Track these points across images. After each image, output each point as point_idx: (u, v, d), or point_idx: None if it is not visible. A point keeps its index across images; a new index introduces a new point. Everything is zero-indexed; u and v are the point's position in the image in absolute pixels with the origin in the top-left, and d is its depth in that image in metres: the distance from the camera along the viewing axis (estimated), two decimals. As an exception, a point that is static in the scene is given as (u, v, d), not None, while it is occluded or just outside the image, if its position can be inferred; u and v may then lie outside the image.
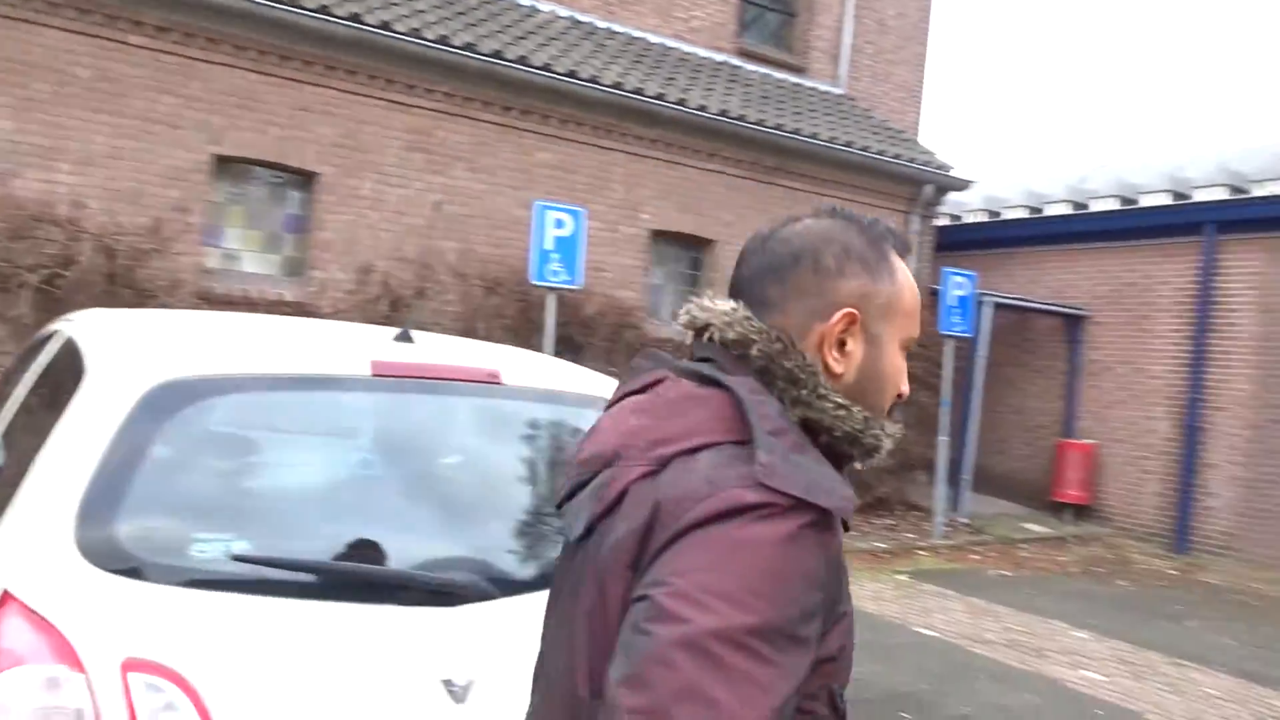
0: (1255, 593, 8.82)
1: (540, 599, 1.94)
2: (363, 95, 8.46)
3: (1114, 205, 16.09)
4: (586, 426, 2.99)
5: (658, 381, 1.15)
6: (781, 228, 1.19)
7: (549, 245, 7.86)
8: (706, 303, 1.18)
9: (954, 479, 10.83)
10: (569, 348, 9.01)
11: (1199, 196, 15.88)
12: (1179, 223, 11.24)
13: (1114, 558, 10.10)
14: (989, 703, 5.29)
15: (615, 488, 1.06)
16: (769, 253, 1.17)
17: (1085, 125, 52.04)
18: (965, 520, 10.78)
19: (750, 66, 12.16)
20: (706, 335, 1.15)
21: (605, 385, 2.82)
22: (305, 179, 8.36)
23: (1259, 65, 52.28)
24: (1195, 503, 10.52)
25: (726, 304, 1.16)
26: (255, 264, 8.36)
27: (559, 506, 1.19)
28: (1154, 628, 7.26)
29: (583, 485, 1.13)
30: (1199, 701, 5.58)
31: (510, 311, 8.82)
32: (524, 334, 8.48)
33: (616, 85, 9.43)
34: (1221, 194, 15.54)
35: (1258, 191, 15.10)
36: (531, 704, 1.22)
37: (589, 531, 1.09)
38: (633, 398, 1.16)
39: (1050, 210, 16.84)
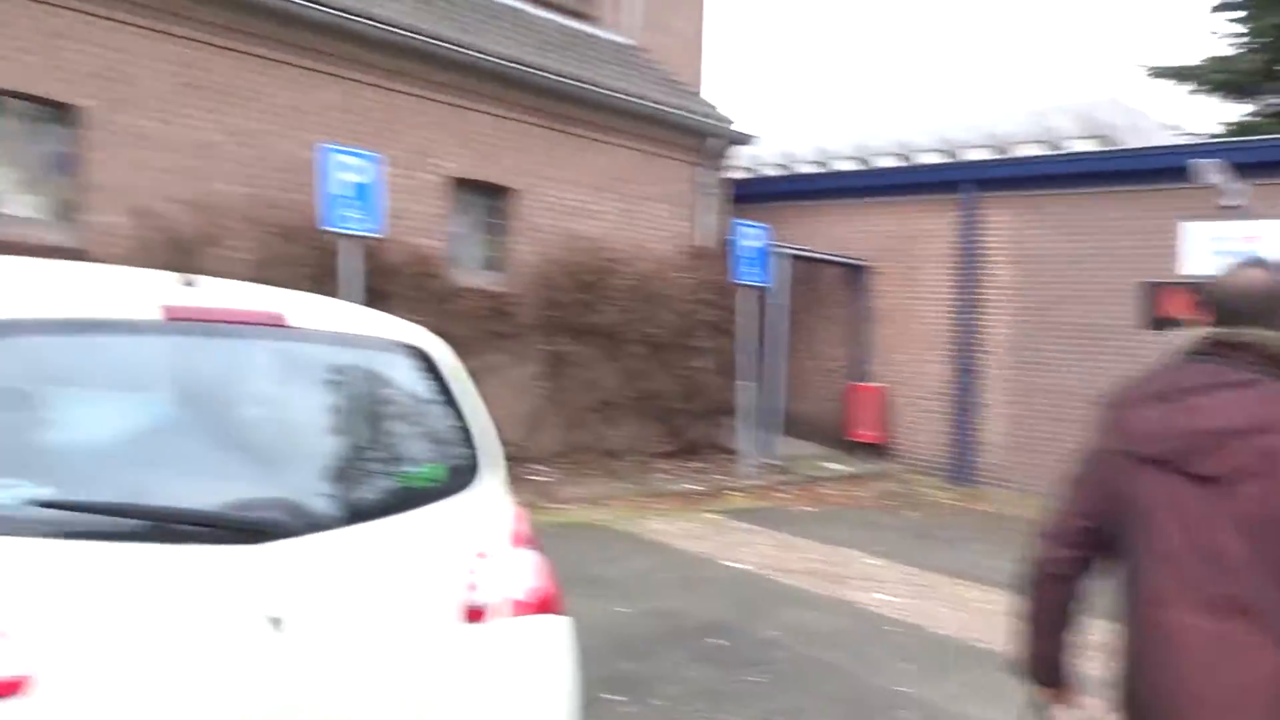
0: (1021, 517, 9.68)
1: (346, 534, 2.05)
2: (126, 23, 7.75)
3: (891, 163, 17.08)
4: (386, 370, 2.88)
5: (1256, 381, 1.79)
6: (1256, 283, 1.90)
7: (339, 190, 7.54)
8: (1265, 332, 1.83)
9: (761, 422, 11.28)
10: (374, 296, 8.69)
11: (966, 156, 17.14)
12: (943, 180, 12.08)
13: (903, 491, 10.84)
14: (792, 625, 5.60)
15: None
16: (1262, 301, 1.87)
17: (869, 88, 54.95)
18: (771, 461, 11.26)
19: (538, 12, 11.95)
20: (1261, 351, 1.82)
21: (401, 329, 2.77)
22: (65, 112, 7.59)
23: (1019, 33, 56.75)
24: (970, 438, 11.44)
25: (1273, 332, 1.82)
26: (19, 207, 7.55)
27: (1164, 455, 1.86)
28: (937, 552, 7.89)
29: (1212, 446, 1.78)
30: (972, 613, 6.13)
31: (310, 260, 8.39)
32: (327, 284, 8.10)
33: (393, 23, 9.06)
34: (985, 154, 16.82)
35: (1013, 153, 16.47)
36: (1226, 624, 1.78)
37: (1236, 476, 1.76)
38: (1243, 390, 1.79)
39: (837, 166, 17.72)
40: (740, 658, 5.02)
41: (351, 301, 6.71)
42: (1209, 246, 9.82)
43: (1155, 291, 10.14)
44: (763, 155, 18.55)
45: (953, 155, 17.93)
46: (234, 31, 8.28)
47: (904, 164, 16.47)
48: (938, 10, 61.17)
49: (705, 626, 5.48)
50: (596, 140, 10.97)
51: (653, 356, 10.94)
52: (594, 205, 10.92)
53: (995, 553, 8.06)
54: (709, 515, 8.75)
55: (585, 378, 10.51)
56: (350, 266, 7.69)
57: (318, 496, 2.36)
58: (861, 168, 16.67)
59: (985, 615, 6.08)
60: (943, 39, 58.98)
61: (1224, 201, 9.67)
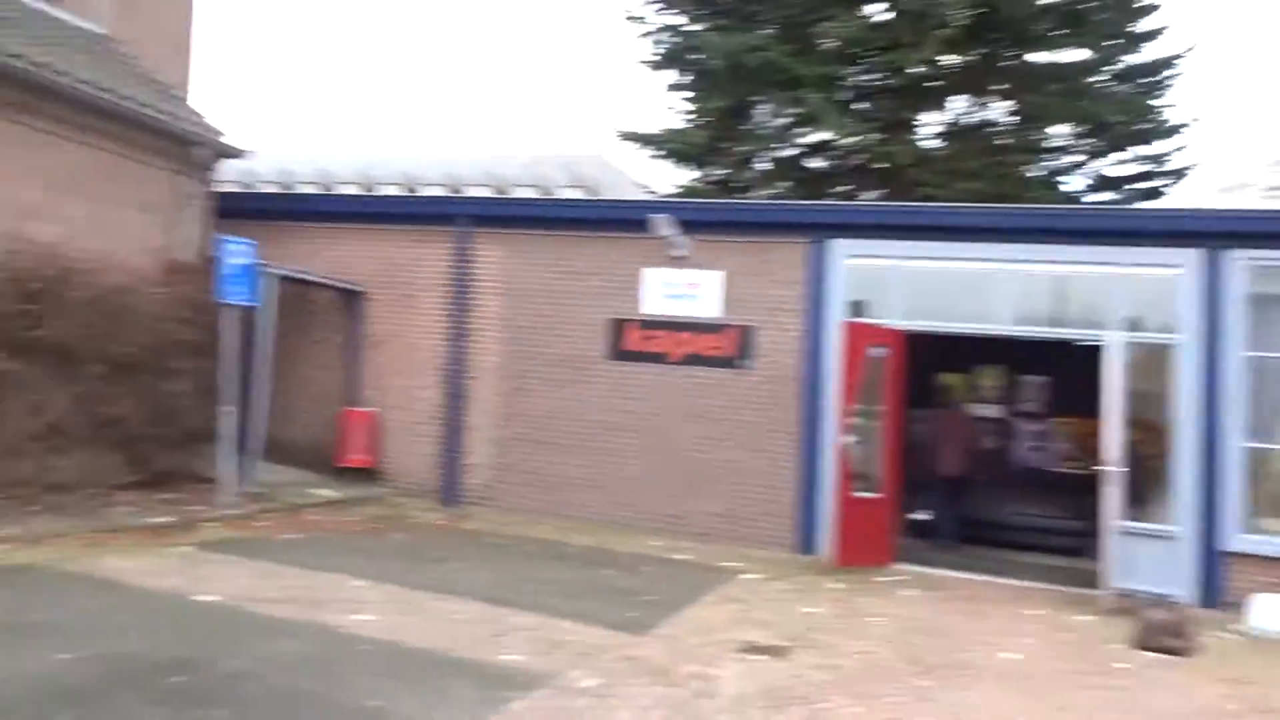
0: (505, 535, 10.28)
1: None
2: None
3: (395, 191, 17.35)
4: None
5: None
6: None
7: None
8: None
9: (242, 449, 10.66)
10: None
11: (467, 192, 18.03)
12: (440, 213, 12.68)
13: (393, 514, 10.87)
14: (265, 655, 5.39)
15: None
16: None
17: (374, 114, 55.10)
18: (254, 489, 10.67)
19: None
20: None
21: None
22: None
23: (522, 84, 60.56)
24: (460, 461, 11.89)
25: None
26: None
27: None
28: (422, 571, 8.07)
29: None
30: (452, 625, 6.39)
31: None
32: None
33: None
34: (486, 192, 17.81)
35: (509, 194, 17.64)
36: None
37: None
38: None
39: (340, 189, 17.56)
40: (203, 695, 4.71)
41: None
42: (661, 290, 11.34)
43: (619, 327, 11.43)
44: (259, 170, 17.74)
45: (455, 190, 18.74)
46: None
47: (406, 194, 16.90)
48: (444, 45, 63.45)
49: (165, 665, 5.07)
50: (63, 136, 9.75)
51: (118, 379, 9.86)
52: (54, 208, 9.64)
53: (477, 567, 8.51)
54: (179, 549, 8.09)
55: (29, 401, 9.18)
56: None
57: None
58: (364, 193, 16.78)
59: (461, 626, 6.39)
60: (448, 75, 61.24)
61: (672, 252, 11.22)
